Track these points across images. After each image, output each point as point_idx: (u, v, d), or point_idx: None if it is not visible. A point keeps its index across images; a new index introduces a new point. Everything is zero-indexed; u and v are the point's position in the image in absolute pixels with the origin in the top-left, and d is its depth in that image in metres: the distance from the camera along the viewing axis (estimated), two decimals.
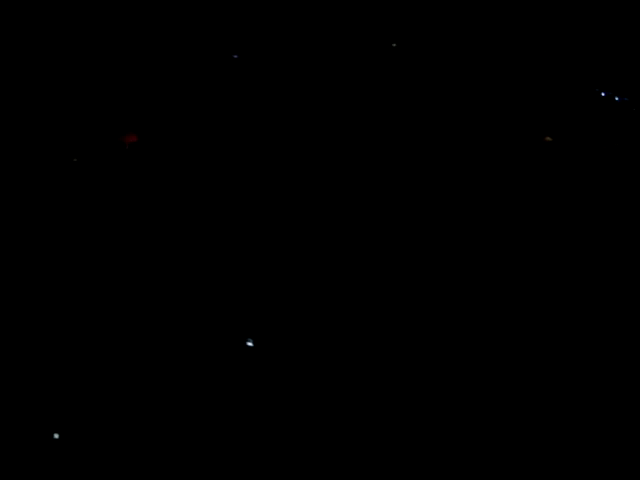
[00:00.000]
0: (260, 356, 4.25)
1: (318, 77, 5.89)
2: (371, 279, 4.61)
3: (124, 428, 3.82)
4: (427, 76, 5.83)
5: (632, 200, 4.88)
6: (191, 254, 4.75)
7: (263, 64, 5.97)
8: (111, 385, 4.02)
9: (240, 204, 5.05)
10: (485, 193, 4.98)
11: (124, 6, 6.22)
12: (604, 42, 5.93)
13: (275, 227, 4.92)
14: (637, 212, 4.80)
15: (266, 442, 3.86)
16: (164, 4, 6.26)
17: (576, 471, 3.73)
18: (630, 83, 5.68)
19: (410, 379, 4.10)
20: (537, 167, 5.09)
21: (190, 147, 5.43)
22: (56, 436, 3.58)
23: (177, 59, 6.01)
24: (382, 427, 3.91)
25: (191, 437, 3.83)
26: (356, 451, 3.83)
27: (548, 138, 5.16)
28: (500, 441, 3.85)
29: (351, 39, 6.13)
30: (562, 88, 5.65)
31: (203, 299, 4.52)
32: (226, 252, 4.77)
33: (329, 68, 5.95)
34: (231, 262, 4.72)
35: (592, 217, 4.83)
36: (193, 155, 5.38)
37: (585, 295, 4.44)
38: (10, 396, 3.90)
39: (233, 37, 6.13)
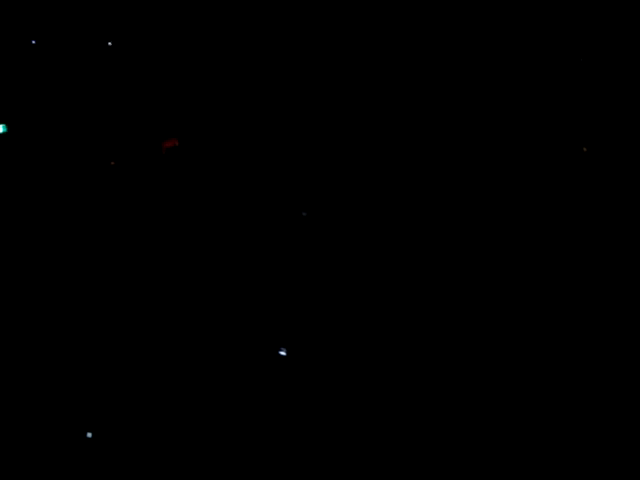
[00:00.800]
0: (289, 364, 4.30)
1: (326, 76, 5.92)
2: (378, 279, 4.63)
3: (148, 430, 3.91)
4: (458, 81, 5.82)
5: None
6: (222, 262, 4.83)
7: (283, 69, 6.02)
8: (136, 391, 4.11)
9: (268, 211, 5.12)
10: (517, 200, 4.96)
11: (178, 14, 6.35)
12: None
13: (294, 236, 4.98)
14: None
15: (281, 443, 3.91)
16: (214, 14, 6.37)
17: (576, 471, 3.71)
18: None
19: (419, 380, 4.12)
20: (573, 176, 5.05)
21: (223, 155, 5.52)
22: (89, 435, 3.67)
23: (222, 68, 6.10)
24: (387, 426, 3.93)
25: (216, 440, 3.90)
26: (366, 450, 3.85)
27: (584, 149, 5.12)
28: (500, 441, 3.84)
29: (352, 38, 6.15)
30: (603, 100, 5.59)
31: (230, 308, 4.60)
32: (260, 259, 4.84)
33: (335, 66, 5.98)
34: (263, 267, 4.78)
35: (624, 224, 4.78)
36: (225, 163, 5.46)
37: (595, 296, 4.40)
38: (13, 395, 3.99)
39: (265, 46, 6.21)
